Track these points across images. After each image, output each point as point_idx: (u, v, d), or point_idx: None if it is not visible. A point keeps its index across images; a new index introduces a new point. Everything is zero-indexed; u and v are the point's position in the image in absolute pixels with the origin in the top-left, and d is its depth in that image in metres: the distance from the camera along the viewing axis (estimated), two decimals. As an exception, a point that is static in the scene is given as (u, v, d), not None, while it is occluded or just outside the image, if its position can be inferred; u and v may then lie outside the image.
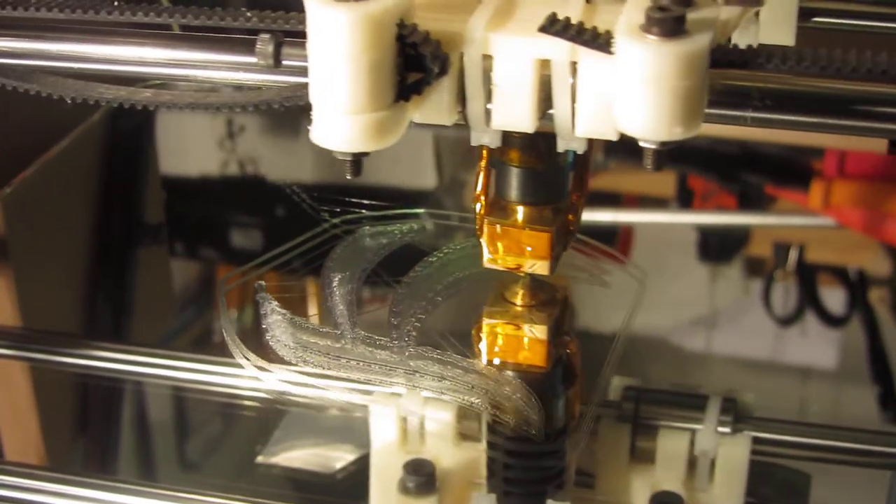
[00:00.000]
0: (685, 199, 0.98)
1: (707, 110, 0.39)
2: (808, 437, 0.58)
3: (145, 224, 0.88)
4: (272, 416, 0.66)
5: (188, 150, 0.94)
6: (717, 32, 0.38)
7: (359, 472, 0.60)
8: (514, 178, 0.48)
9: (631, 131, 0.37)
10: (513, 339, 0.51)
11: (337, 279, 0.54)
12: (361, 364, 0.51)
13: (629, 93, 0.36)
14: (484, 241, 0.49)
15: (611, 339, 0.69)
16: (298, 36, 0.39)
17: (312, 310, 0.92)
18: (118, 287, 0.84)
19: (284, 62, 0.40)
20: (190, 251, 0.95)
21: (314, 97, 0.38)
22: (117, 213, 0.84)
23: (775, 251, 0.96)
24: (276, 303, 0.52)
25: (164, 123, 0.90)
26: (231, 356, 0.64)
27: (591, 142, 0.43)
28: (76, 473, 0.58)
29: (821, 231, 0.94)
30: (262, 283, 0.53)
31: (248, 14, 0.41)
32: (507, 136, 0.44)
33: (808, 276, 0.93)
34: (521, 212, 0.48)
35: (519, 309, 0.51)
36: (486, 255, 0.49)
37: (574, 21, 0.38)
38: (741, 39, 0.47)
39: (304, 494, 0.64)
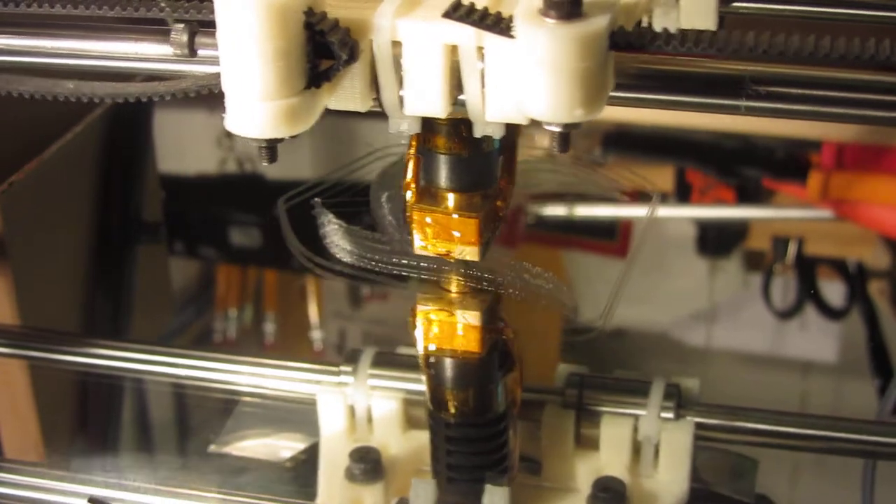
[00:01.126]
0: (683, 193, 0.98)
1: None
2: (753, 422, 0.58)
3: (144, 222, 0.88)
4: (227, 407, 0.67)
5: (186, 148, 0.94)
6: (619, 16, 0.38)
7: (309, 460, 0.61)
8: (441, 165, 0.48)
9: (534, 114, 0.38)
10: (447, 326, 0.51)
11: (385, 195, 0.54)
12: (412, 263, 0.52)
13: (531, 76, 0.37)
14: (414, 228, 0.49)
15: (610, 333, 0.70)
16: (212, 25, 0.39)
17: (312, 308, 0.92)
18: (117, 286, 0.84)
19: (200, 51, 0.41)
20: (189, 250, 0.95)
21: (226, 85, 0.39)
22: (116, 211, 0.84)
23: (774, 244, 0.96)
24: (331, 214, 0.53)
25: (162, 122, 0.90)
26: (230, 353, 0.64)
27: (516, 127, 0.43)
28: (76, 471, 0.58)
29: (820, 224, 0.94)
30: (319, 199, 0.55)
31: (162, 4, 0.41)
32: (431, 123, 0.45)
33: (807, 269, 0.93)
34: (449, 199, 0.48)
35: (453, 295, 0.52)
36: (417, 243, 0.49)
37: (484, 6, 0.38)
38: (662, 24, 0.47)
39: (254, 483, 0.65)
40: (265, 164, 0.41)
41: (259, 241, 0.93)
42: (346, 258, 0.52)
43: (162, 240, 0.91)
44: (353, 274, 0.55)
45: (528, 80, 0.37)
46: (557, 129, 0.38)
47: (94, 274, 0.81)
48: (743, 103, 0.41)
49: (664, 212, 0.98)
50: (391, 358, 0.60)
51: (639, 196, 1.00)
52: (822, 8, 0.52)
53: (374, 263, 0.52)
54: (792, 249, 0.94)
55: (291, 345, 0.93)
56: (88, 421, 0.75)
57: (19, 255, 0.73)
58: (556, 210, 0.94)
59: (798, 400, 0.85)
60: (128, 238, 0.86)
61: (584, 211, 0.95)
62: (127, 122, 0.83)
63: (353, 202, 0.57)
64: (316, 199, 0.55)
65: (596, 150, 0.96)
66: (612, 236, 0.95)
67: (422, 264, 0.52)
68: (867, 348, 0.86)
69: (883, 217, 0.90)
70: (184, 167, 0.94)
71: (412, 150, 0.49)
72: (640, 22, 0.44)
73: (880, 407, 0.63)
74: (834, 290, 0.92)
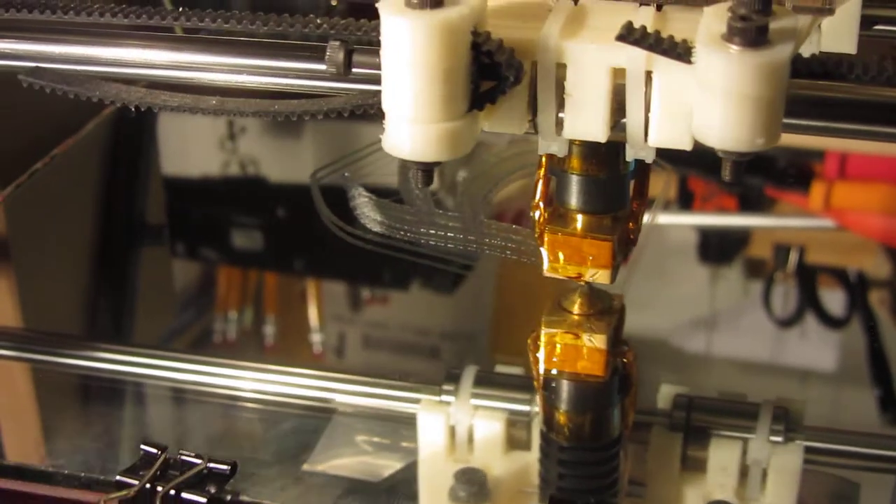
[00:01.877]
0: (686, 201, 0.98)
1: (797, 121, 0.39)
2: (859, 445, 0.58)
3: (147, 225, 0.88)
4: (318, 424, 0.66)
5: (189, 150, 0.94)
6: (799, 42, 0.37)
7: (405, 481, 0.60)
8: (575, 186, 0.47)
9: (710, 142, 0.37)
10: (571, 349, 0.50)
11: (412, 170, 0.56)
12: (440, 233, 0.54)
13: (709, 103, 0.36)
14: (544, 249, 0.48)
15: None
16: (365, 44, 0.39)
17: (312, 311, 0.92)
18: (119, 288, 0.84)
19: (354, 70, 0.40)
20: (190, 251, 0.95)
21: (387, 106, 0.38)
22: (119, 213, 0.84)
23: (775, 253, 0.96)
24: (361, 187, 0.53)
25: (166, 124, 0.90)
26: (232, 357, 0.64)
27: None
28: (76, 474, 0.58)
29: (821, 233, 0.94)
30: (348, 174, 0.55)
31: (318, 21, 0.41)
32: (570, 144, 0.44)
33: (808, 277, 0.93)
34: (580, 220, 0.48)
35: (577, 318, 0.51)
36: (546, 264, 0.48)
37: (656, 29, 0.37)
38: (804, 49, 0.46)
39: (350, 502, 0.65)
40: (419, 186, 0.40)
41: (260, 243, 0.92)
42: (377, 228, 0.53)
43: (165, 242, 0.91)
44: (381, 242, 0.55)
45: (706, 107, 0.36)
46: (733, 158, 0.37)
47: (96, 276, 0.81)
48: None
49: (666, 219, 0.98)
50: (492, 377, 0.59)
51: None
52: None
53: (403, 233, 0.53)
54: (793, 258, 0.94)
55: (291, 347, 0.93)
56: (90, 424, 0.75)
57: (23, 257, 0.73)
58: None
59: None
60: (131, 240, 0.86)
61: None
62: (131, 125, 0.83)
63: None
64: (346, 173, 0.55)
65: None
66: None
67: (448, 234, 0.53)
68: (867, 357, 0.85)
69: (884, 227, 0.90)
70: (187, 169, 0.94)
71: (541, 171, 0.48)
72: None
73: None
74: (834, 299, 0.92)
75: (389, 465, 0.63)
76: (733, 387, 0.87)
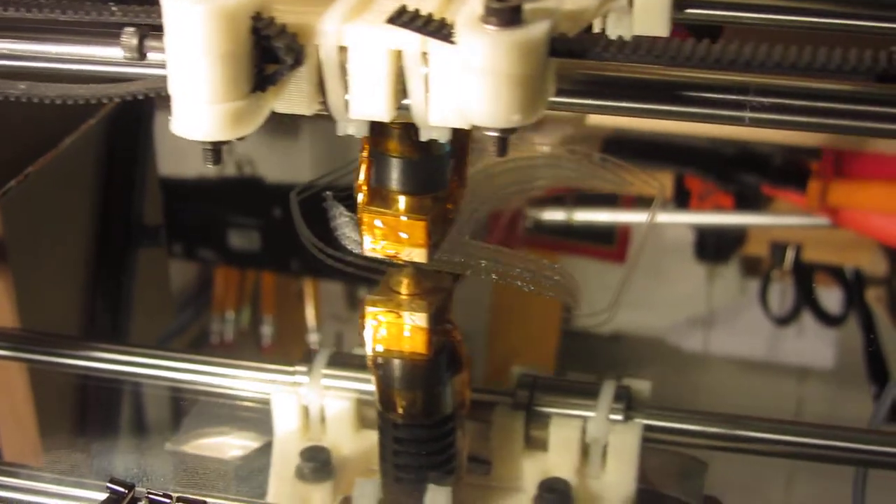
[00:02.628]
0: (682, 199, 0.98)
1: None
2: (701, 424, 0.59)
3: (144, 225, 0.88)
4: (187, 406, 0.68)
5: (186, 151, 0.94)
6: (560, 23, 0.38)
7: (263, 459, 0.61)
8: (391, 168, 0.49)
9: (474, 119, 0.38)
10: (394, 327, 0.52)
11: None
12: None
13: (471, 81, 0.37)
14: (364, 230, 0.50)
15: (608, 338, 0.70)
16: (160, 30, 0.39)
17: (310, 311, 0.92)
18: (116, 288, 0.84)
19: (150, 55, 0.41)
20: (187, 252, 0.95)
21: (173, 88, 0.39)
22: (116, 214, 0.84)
23: (772, 251, 0.96)
24: (342, 207, 0.53)
25: (163, 125, 0.90)
26: (228, 357, 0.64)
27: (466, 131, 0.43)
28: (74, 474, 0.58)
29: (817, 231, 0.94)
30: (330, 193, 0.55)
31: (114, 8, 0.42)
32: (382, 127, 0.46)
33: (804, 275, 0.93)
34: (400, 201, 0.49)
35: (401, 297, 0.52)
36: (367, 245, 0.50)
37: (430, 12, 0.38)
38: (616, 30, 0.48)
39: (207, 481, 0.66)
40: (209, 165, 0.41)
41: (258, 243, 0.93)
42: (358, 249, 0.53)
43: (161, 242, 0.91)
44: (362, 265, 0.56)
45: (468, 86, 0.38)
46: (496, 134, 0.38)
47: (93, 276, 0.81)
48: (748, 115, 0.41)
49: (663, 217, 0.98)
50: (346, 358, 0.60)
51: (638, 201, 1.00)
52: (789, 17, 0.52)
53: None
54: (790, 256, 0.94)
55: (288, 347, 0.93)
56: (87, 424, 0.75)
57: (19, 258, 0.73)
58: (554, 215, 0.95)
59: (794, 406, 0.85)
60: (128, 241, 0.86)
61: (583, 216, 0.95)
62: (127, 126, 0.83)
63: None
64: (327, 192, 0.55)
65: (595, 156, 0.96)
66: (609, 241, 0.95)
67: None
68: (864, 355, 0.86)
69: (881, 225, 0.90)
70: (183, 170, 0.94)
71: (364, 153, 0.49)
72: (590, 28, 0.45)
73: (874, 413, 0.64)
74: (831, 297, 0.92)
75: (248, 446, 0.64)
76: (731, 385, 0.88)
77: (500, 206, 0.61)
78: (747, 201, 0.96)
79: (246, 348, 0.91)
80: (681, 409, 0.59)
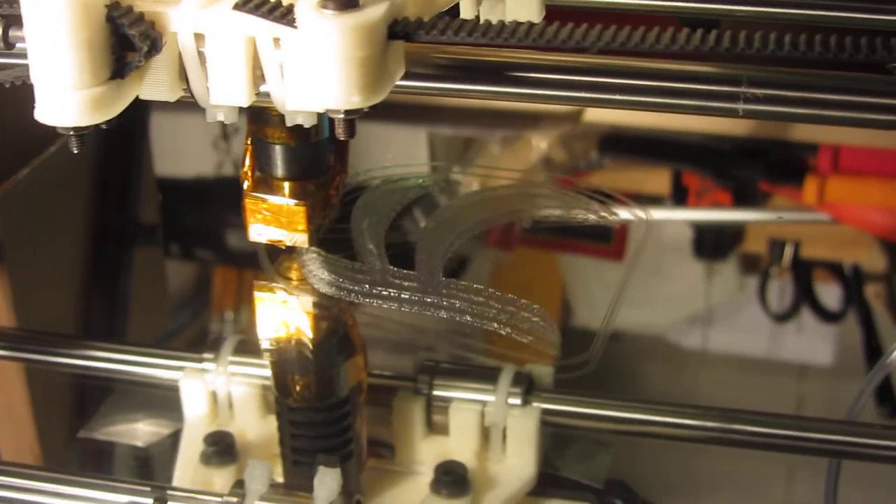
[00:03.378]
0: (680, 196, 0.98)
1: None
2: (601, 408, 0.59)
3: (140, 225, 0.88)
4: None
5: (183, 151, 0.94)
6: (403, 7, 0.39)
7: (174, 445, 0.62)
8: (271, 154, 0.50)
9: (320, 103, 0.39)
10: (283, 311, 0.53)
11: (367, 222, 0.56)
12: (392, 294, 0.53)
13: (314, 65, 0.38)
14: (248, 217, 0.51)
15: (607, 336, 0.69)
16: None
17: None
18: (113, 288, 0.84)
19: (18, 45, 0.41)
20: (185, 252, 0.95)
21: (34, 76, 0.39)
22: (112, 214, 0.84)
23: (770, 247, 0.96)
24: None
25: (159, 124, 0.90)
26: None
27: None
28: (71, 473, 0.58)
29: (816, 227, 0.94)
30: None
31: None
32: (261, 113, 0.47)
33: (803, 272, 0.93)
34: (283, 187, 0.50)
35: (292, 281, 0.53)
36: (252, 232, 0.51)
37: None
38: (490, 16, 0.48)
39: (115, 467, 0.66)
40: (75, 150, 0.41)
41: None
42: (325, 289, 0.53)
43: (158, 242, 0.91)
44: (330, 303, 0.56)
45: (312, 70, 0.38)
46: (340, 116, 0.39)
47: (90, 276, 0.81)
48: (741, 106, 0.41)
49: (660, 214, 0.98)
50: (253, 346, 0.60)
51: (636, 199, 1.00)
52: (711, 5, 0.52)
53: (353, 295, 0.53)
54: (788, 252, 0.94)
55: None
56: (85, 423, 0.75)
57: (16, 257, 0.73)
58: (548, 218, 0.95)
59: (794, 402, 0.85)
60: (124, 240, 0.86)
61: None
62: (123, 125, 0.83)
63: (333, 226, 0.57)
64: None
65: (593, 153, 0.97)
66: (607, 239, 0.95)
67: (402, 295, 0.53)
68: (863, 351, 0.86)
69: (879, 220, 0.90)
70: (180, 169, 0.94)
71: (247, 140, 0.51)
72: (457, 12, 0.46)
73: (855, 400, 0.64)
74: (830, 293, 0.92)
75: (159, 432, 0.65)
76: (730, 382, 0.87)
77: (473, 234, 0.60)
78: (745, 198, 0.96)
79: (249, 347, 0.91)
80: (581, 392, 0.59)
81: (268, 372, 0.59)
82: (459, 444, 0.58)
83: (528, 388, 0.58)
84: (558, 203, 0.63)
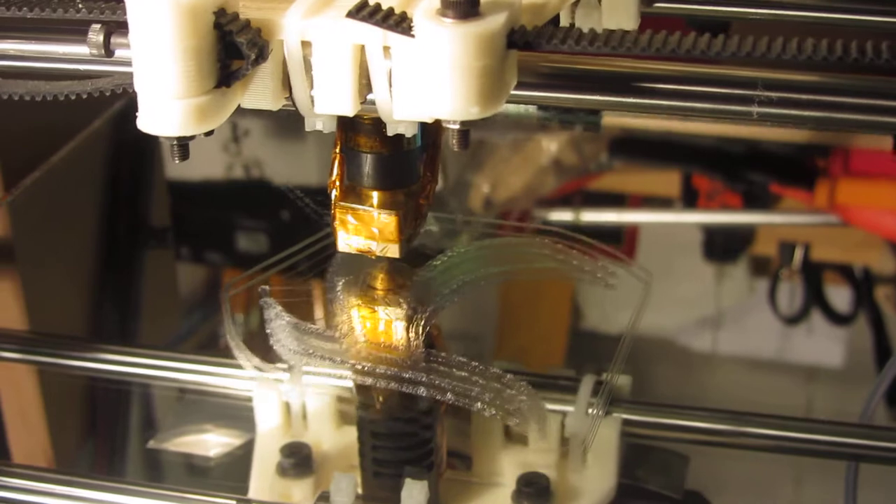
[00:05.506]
0: (690, 199, 0.98)
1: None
2: (680, 419, 0.59)
3: (151, 228, 0.88)
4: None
5: (193, 153, 0.94)
6: (519, 15, 0.39)
7: (245, 456, 0.62)
8: (362, 163, 0.49)
9: (434, 112, 0.38)
10: (371, 322, 0.52)
11: (342, 282, 0.54)
12: (365, 367, 0.51)
13: (431, 75, 0.37)
14: (337, 226, 0.49)
15: (616, 339, 0.69)
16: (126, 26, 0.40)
17: (319, 312, 0.92)
18: (124, 291, 0.84)
19: (118, 52, 0.40)
20: (196, 255, 0.95)
21: (138, 84, 0.39)
22: (123, 216, 0.84)
23: (781, 250, 0.96)
24: (279, 308, 0.53)
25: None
26: (211, 355, 0.65)
27: (438, 124, 0.43)
28: (84, 476, 0.58)
29: (826, 229, 0.94)
30: (266, 287, 0.54)
31: (80, 5, 0.42)
32: (353, 122, 0.46)
33: (813, 274, 0.93)
34: (372, 196, 0.49)
35: (378, 292, 0.52)
36: (340, 240, 0.50)
37: (391, 6, 0.38)
38: (586, 24, 0.48)
39: (187, 478, 0.66)
40: (176, 161, 0.41)
41: (265, 245, 0.93)
42: (293, 360, 0.53)
43: (169, 245, 0.91)
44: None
45: (429, 79, 0.38)
46: (456, 127, 0.39)
47: (101, 279, 0.81)
48: (756, 109, 0.41)
49: (671, 217, 0.99)
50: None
51: (646, 201, 1.00)
52: (762, 10, 0.52)
53: (324, 363, 0.52)
54: (798, 255, 0.94)
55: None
56: (96, 425, 0.75)
57: (28, 260, 0.73)
58: (561, 215, 0.95)
59: (803, 404, 0.85)
60: (135, 243, 0.86)
61: (590, 216, 0.95)
62: (134, 128, 0.83)
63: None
64: (263, 287, 0.54)
65: (603, 156, 0.97)
66: (617, 241, 0.95)
67: (377, 369, 0.52)
68: (873, 353, 0.86)
69: (890, 223, 0.90)
70: (191, 172, 0.94)
71: (336, 149, 0.49)
72: (557, 21, 0.45)
73: (867, 401, 0.63)
74: (840, 296, 0.92)
75: (229, 443, 0.64)
76: (739, 384, 0.87)
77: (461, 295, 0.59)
78: (756, 200, 0.96)
79: (257, 351, 0.91)
80: (660, 403, 0.59)
81: (342, 382, 0.59)
82: (539, 455, 0.57)
83: (609, 398, 0.57)
84: (556, 263, 0.61)
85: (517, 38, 0.38)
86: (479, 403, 0.51)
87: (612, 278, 0.60)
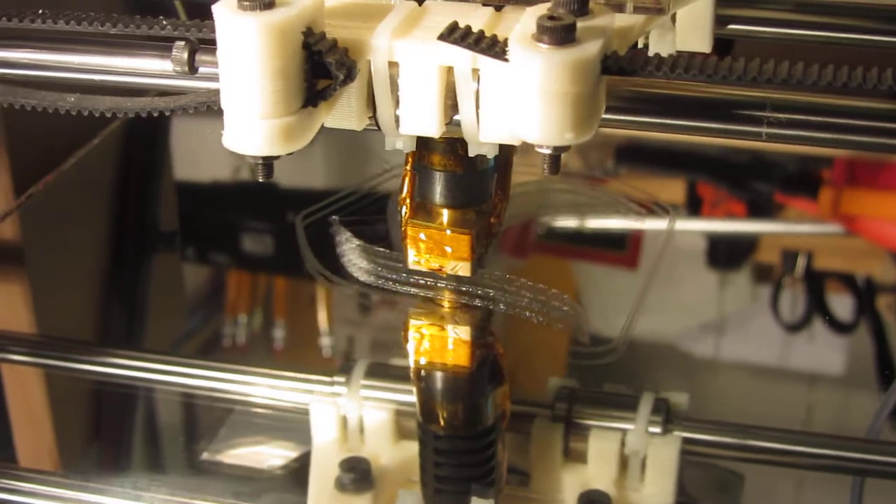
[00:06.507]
0: (694, 207, 0.98)
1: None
2: (739, 437, 0.59)
3: (159, 232, 0.88)
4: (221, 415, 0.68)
5: (201, 156, 0.94)
6: (612, 40, 0.39)
7: (301, 469, 0.62)
8: (436, 181, 0.49)
9: (526, 137, 0.38)
10: (437, 340, 0.53)
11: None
12: (429, 281, 0.53)
13: (523, 99, 0.37)
14: (408, 243, 0.50)
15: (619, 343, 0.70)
16: (211, 44, 0.40)
17: (322, 315, 0.92)
18: (131, 293, 0.84)
19: (200, 69, 0.41)
20: (201, 255, 0.95)
21: (225, 103, 0.39)
22: (132, 220, 0.84)
23: (784, 258, 0.96)
24: (349, 233, 0.53)
25: (179, 131, 0.90)
26: (242, 363, 0.65)
27: (510, 146, 0.43)
28: (90, 479, 0.59)
29: (829, 239, 0.95)
30: (336, 217, 0.55)
31: (164, 22, 0.42)
32: (427, 141, 0.46)
33: (816, 283, 0.93)
34: (443, 214, 0.49)
35: (445, 310, 0.53)
36: (411, 258, 0.50)
37: (480, 29, 0.38)
38: (659, 47, 0.48)
39: (244, 490, 0.66)
40: (260, 179, 0.41)
41: (271, 248, 0.93)
42: (363, 277, 0.53)
43: (176, 248, 0.91)
44: (368, 286, 0.55)
45: (520, 103, 0.38)
46: (548, 152, 0.39)
47: (109, 282, 0.81)
48: (764, 130, 0.41)
49: (675, 224, 0.99)
50: (384, 369, 0.60)
51: (651, 209, 1.01)
52: (825, 33, 0.52)
53: (391, 283, 0.53)
54: (801, 263, 0.94)
55: (300, 351, 0.94)
56: (103, 429, 0.75)
57: (37, 264, 0.73)
58: (566, 222, 0.95)
59: (804, 412, 0.85)
60: (143, 247, 0.86)
61: (594, 223, 0.95)
62: (144, 133, 0.83)
63: (370, 217, 0.57)
64: (333, 216, 0.55)
65: (608, 163, 0.97)
66: (621, 247, 0.95)
67: (438, 283, 0.53)
68: (875, 362, 0.86)
69: (893, 233, 0.90)
70: (198, 175, 0.94)
71: (408, 167, 0.50)
72: (635, 45, 0.45)
73: (874, 419, 0.64)
74: (842, 304, 0.92)
75: (285, 456, 0.65)
76: (741, 391, 0.88)
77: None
78: (759, 209, 0.96)
79: (258, 351, 0.91)
80: (719, 421, 0.59)
81: (400, 396, 0.59)
82: (598, 473, 0.57)
83: (668, 416, 0.57)
84: (584, 199, 0.62)
85: (611, 65, 0.38)
86: (528, 312, 0.51)
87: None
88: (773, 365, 0.91)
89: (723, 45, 0.60)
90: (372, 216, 0.57)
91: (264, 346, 0.92)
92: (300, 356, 0.93)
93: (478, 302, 0.52)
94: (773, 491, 0.68)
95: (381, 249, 0.54)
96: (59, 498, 0.58)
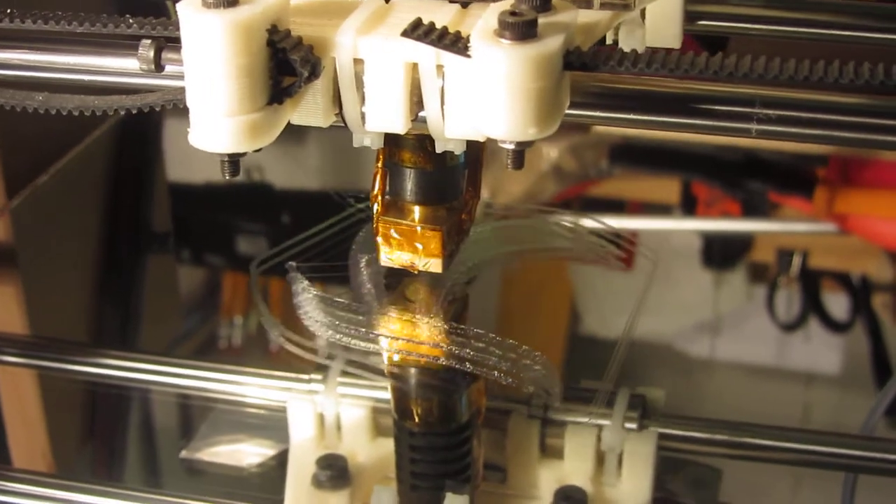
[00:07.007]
0: (689, 206, 0.98)
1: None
2: (715, 433, 0.59)
3: (152, 232, 0.88)
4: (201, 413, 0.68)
5: (194, 157, 0.94)
6: (575, 36, 0.39)
7: (278, 466, 0.62)
8: (406, 178, 0.49)
9: (490, 132, 0.38)
10: (411, 336, 0.52)
11: (364, 260, 0.55)
12: (389, 338, 0.52)
13: (486, 95, 0.37)
14: (380, 240, 0.50)
15: (615, 343, 0.70)
16: (177, 42, 0.40)
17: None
18: (125, 294, 0.84)
19: (167, 67, 0.41)
20: (195, 257, 0.95)
21: (191, 100, 0.39)
22: (124, 220, 0.84)
23: (779, 257, 0.96)
24: (307, 282, 0.53)
25: (171, 132, 0.90)
26: (236, 363, 0.65)
27: (480, 142, 0.43)
28: (84, 480, 0.59)
29: (824, 237, 0.95)
30: (293, 263, 0.55)
31: (131, 21, 0.42)
32: (397, 138, 0.46)
33: (811, 282, 0.93)
34: (414, 211, 0.49)
35: (416, 306, 0.52)
36: (383, 256, 0.50)
37: (445, 25, 0.38)
38: (628, 43, 0.48)
39: (222, 489, 0.66)
40: (226, 177, 0.41)
41: (265, 248, 0.93)
42: (320, 331, 0.53)
43: (170, 249, 0.91)
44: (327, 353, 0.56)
45: (483, 99, 0.38)
46: (511, 147, 0.39)
47: (102, 283, 0.81)
48: (754, 126, 0.41)
49: (670, 224, 0.99)
50: (362, 367, 0.60)
51: (645, 207, 1.01)
52: (797, 28, 0.52)
53: (348, 338, 0.52)
54: (796, 262, 0.94)
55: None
56: (97, 430, 0.76)
57: (30, 265, 0.73)
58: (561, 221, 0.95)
59: (800, 412, 0.85)
60: (137, 248, 0.86)
61: (589, 222, 0.95)
62: (136, 134, 0.83)
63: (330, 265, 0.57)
64: (290, 263, 0.55)
65: (603, 163, 0.97)
66: (616, 247, 0.95)
67: (399, 342, 0.52)
68: (871, 361, 0.86)
69: (888, 231, 0.90)
70: (191, 176, 0.94)
71: (379, 164, 0.50)
72: (603, 41, 0.45)
73: (868, 416, 0.64)
74: (838, 303, 0.92)
75: (263, 454, 0.65)
76: (737, 390, 0.88)
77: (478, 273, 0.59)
78: (754, 208, 0.96)
79: (254, 353, 0.91)
80: (695, 417, 0.59)
81: (377, 394, 0.59)
82: (574, 469, 0.57)
83: (644, 412, 0.57)
84: (567, 244, 0.62)
85: (574, 60, 0.38)
86: (496, 372, 0.51)
87: (615, 262, 0.63)
88: (769, 364, 0.91)
89: (717, 42, 0.60)
90: (334, 261, 0.57)
91: (260, 348, 0.92)
92: (297, 357, 0.93)
93: (441, 360, 0.52)
94: (757, 487, 0.68)
95: (340, 301, 0.53)
96: (52, 499, 0.58)
